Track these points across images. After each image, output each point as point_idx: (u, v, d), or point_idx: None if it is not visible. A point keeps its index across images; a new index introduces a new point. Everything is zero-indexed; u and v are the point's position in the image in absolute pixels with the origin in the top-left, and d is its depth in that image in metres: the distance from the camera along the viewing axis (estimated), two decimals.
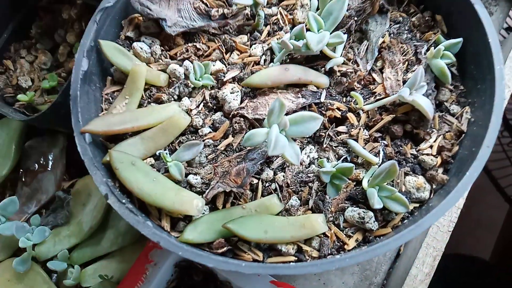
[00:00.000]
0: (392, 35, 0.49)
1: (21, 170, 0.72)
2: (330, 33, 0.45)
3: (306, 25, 0.46)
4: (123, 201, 0.39)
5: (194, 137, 0.45)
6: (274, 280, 0.50)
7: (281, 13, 0.52)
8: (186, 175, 0.43)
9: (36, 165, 0.71)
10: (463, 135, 0.43)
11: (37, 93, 0.70)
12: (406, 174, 0.42)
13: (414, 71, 0.46)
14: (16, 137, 0.72)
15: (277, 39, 0.49)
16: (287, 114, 0.36)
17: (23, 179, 0.72)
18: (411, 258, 0.65)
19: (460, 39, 0.45)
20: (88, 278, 0.58)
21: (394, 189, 0.38)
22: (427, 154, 0.42)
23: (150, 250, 0.53)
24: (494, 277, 1.10)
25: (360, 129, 0.43)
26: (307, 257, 0.39)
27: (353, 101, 0.45)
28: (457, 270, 1.07)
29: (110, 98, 0.48)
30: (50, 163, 0.70)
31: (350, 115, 0.44)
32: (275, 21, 0.52)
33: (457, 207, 0.64)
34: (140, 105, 0.47)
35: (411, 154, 0.43)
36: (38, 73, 0.73)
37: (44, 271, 0.60)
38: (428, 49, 0.48)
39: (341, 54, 0.48)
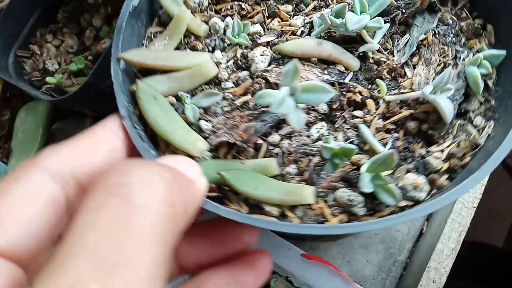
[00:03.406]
0: (437, 35, 0.48)
1: None
2: (372, 18, 0.45)
3: (350, 6, 0.46)
4: (136, 126, 0.42)
5: (216, 88, 0.47)
6: (304, 253, 0.53)
7: None
8: (200, 119, 0.45)
9: None
10: (479, 148, 0.42)
11: (64, 76, 0.73)
12: (408, 170, 0.42)
13: None
14: (43, 121, 0.74)
15: (320, 14, 0.49)
16: None
17: None
18: (435, 236, 0.66)
19: (503, 52, 0.44)
20: None
21: (388, 179, 0.39)
22: (436, 157, 0.42)
23: None
24: (506, 265, 1.09)
25: (375, 116, 0.44)
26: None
27: (377, 89, 0.45)
28: (468, 258, 1.06)
29: (153, 37, 0.52)
30: None
31: (369, 102, 0.45)
32: None
33: (481, 184, 0.64)
34: (177, 49, 0.50)
35: (420, 153, 0.43)
36: (65, 57, 0.75)
37: None
38: (468, 56, 0.46)
39: (379, 42, 0.47)
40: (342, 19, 0.45)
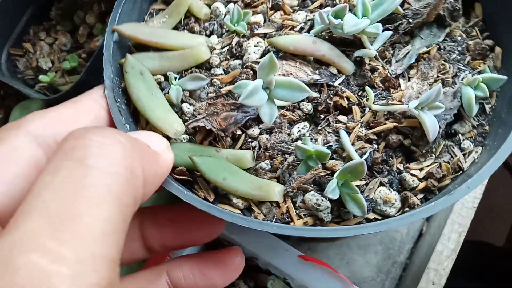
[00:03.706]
0: (441, 50, 0.46)
1: None
2: (372, 23, 0.44)
3: (354, 8, 0.45)
4: (118, 100, 0.42)
5: (206, 73, 0.47)
6: (302, 255, 0.52)
7: None
8: (183, 102, 0.45)
9: None
10: (461, 172, 0.41)
11: (58, 74, 0.72)
12: (381, 184, 0.41)
13: (444, 91, 0.43)
14: None
15: (318, 12, 0.48)
16: None
17: None
18: (434, 236, 0.66)
19: (504, 77, 0.42)
20: None
21: (357, 189, 0.38)
22: (412, 175, 0.41)
23: None
24: (507, 264, 1.08)
25: (358, 124, 0.42)
26: (251, 217, 0.41)
27: (366, 97, 0.44)
28: (468, 257, 1.06)
29: (155, 13, 0.52)
30: None
31: (355, 108, 0.43)
32: None
33: (481, 184, 0.62)
34: (175, 29, 0.50)
35: (397, 168, 0.41)
36: (58, 55, 0.74)
37: None
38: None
39: (378, 49, 0.46)
40: (341, 20, 0.43)
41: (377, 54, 0.45)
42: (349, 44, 0.47)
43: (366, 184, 0.41)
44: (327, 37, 0.48)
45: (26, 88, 0.70)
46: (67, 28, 0.77)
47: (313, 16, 0.49)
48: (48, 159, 0.27)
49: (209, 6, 0.51)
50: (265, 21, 0.50)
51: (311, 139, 0.43)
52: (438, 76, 0.45)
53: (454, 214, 0.65)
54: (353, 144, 0.42)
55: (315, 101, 0.44)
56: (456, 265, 0.63)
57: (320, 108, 0.44)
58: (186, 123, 0.43)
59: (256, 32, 0.48)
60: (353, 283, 0.67)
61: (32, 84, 0.75)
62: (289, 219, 0.41)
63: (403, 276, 0.71)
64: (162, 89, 0.46)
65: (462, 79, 0.44)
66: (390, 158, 0.41)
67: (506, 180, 1.24)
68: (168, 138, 0.44)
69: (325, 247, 0.74)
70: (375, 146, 0.42)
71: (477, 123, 0.43)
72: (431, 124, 0.39)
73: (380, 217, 0.40)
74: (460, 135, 0.43)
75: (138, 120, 0.45)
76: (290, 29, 0.48)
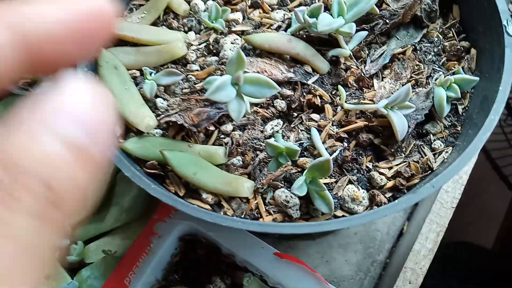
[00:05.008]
0: (418, 51, 0.47)
1: None
2: (347, 23, 0.44)
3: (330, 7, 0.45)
4: None
5: (182, 69, 0.47)
6: (277, 252, 0.52)
7: None
8: (157, 97, 0.45)
9: None
10: (430, 172, 0.41)
11: None
12: (350, 181, 0.41)
13: (417, 91, 0.44)
14: None
15: (293, 11, 0.48)
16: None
17: None
18: (414, 235, 0.66)
19: (476, 78, 0.42)
20: (91, 254, 0.56)
21: (324, 186, 0.38)
22: (381, 173, 0.41)
23: (155, 223, 0.54)
24: (496, 266, 1.09)
25: (330, 122, 0.43)
26: (221, 213, 0.41)
27: (339, 96, 0.44)
28: (458, 258, 1.06)
29: (134, 9, 0.52)
30: None
31: (327, 107, 0.43)
32: None
33: (460, 184, 0.63)
34: (154, 24, 0.50)
35: (366, 166, 0.41)
36: None
37: None
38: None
39: (353, 49, 0.46)
40: (316, 19, 0.44)
41: (352, 53, 0.46)
42: (325, 43, 0.47)
43: (336, 182, 0.41)
44: (304, 36, 0.48)
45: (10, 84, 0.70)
46: None
47: (292, 14, 0.49)
48: None
49: (188, 2, 0.51)
50: (244, 19, 0.50)
51: (284, 136, 0.43)
52: (411, 77, 0.45)
53: (432, 214, 0.65)
54: (324, 142, 0.42)
55: (289, 98, 0.44)
56: (445, 266, 0.64)
57: (293, 106, 0.44)
58: (158, 118, 0.43)
59: (233, 29, 0.48)
60: (332, 281, 0.67)
61: (28, 90, 0.75)
62: (259, 215, 0.41)
63: (383, 275, 0.71)
64: (137, 84, 0.46)
65: (435, 80, 0.44)
66: (360, 157, 0.42)
67: (495, 182, 1.25)
68: (139, 132, 0.44)
69: (306, 245, 0.74)
70: (346, 144, 0.42)
71: (449, 124, 0.44)
72: (400, 124, 0.39)
73: (348, 215, 0.40)
74: (431, 135, 0.43)
75: None
76: (268, 27, 0.49)
